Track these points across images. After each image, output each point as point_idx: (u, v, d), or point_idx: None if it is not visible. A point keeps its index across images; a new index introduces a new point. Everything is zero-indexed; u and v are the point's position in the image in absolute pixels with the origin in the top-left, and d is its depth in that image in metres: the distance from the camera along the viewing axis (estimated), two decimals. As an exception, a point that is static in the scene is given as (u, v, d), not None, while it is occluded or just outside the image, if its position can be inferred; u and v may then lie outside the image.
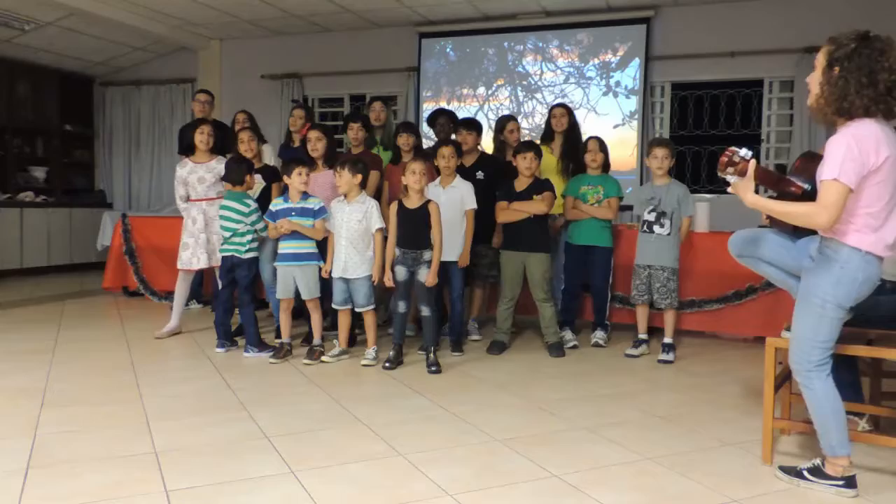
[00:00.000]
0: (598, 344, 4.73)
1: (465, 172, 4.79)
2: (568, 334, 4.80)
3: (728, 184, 2.46)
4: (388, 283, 4.20)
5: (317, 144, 4.65)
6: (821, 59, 2.37)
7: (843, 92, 2.28)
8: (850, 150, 2.23)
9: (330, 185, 4.51)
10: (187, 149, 4.92)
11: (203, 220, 4.80)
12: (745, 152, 2.39)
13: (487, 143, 6.10)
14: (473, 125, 5.01)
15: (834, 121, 2.34)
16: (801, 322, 2.43)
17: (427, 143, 6.06)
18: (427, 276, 4.09)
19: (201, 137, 4.85)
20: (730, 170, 2.40)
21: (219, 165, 4.85)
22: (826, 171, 2.26)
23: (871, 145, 2.25)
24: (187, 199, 4.89)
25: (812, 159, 2.58)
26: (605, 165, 4.83)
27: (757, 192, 2.44)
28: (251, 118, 5.72)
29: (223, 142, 5.67)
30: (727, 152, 2.40)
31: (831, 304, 2.35)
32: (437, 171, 4.69)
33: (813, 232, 2.50)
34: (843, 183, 2.23)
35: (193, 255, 4.78)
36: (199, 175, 4.84)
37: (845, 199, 2.25)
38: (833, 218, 2.26)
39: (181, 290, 4.94)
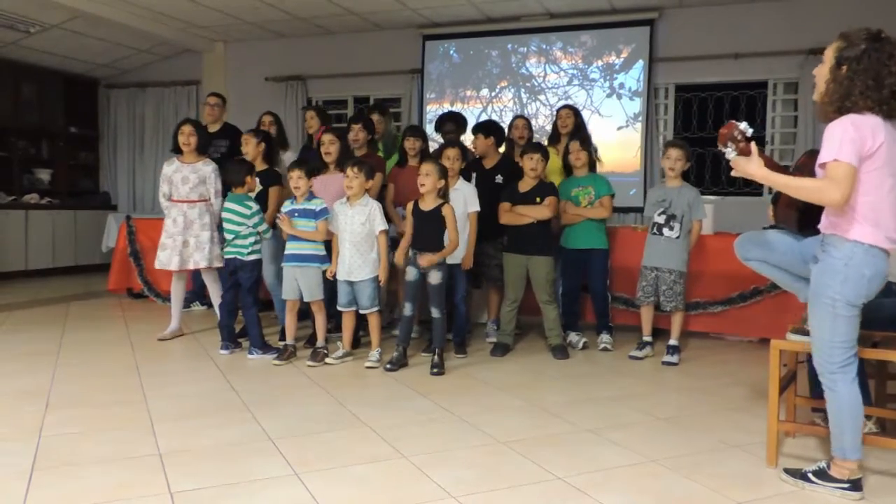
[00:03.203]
0: (607, 349, 4.70)
1: (485, 175, 4.79)
2: (574, 337, 4.79)
3: (730, 169, 2.43)
4: (399, 261, 4.20)
5: (330, 148, 4.65)
6: (829, 55, 2.36)
7: (847, 91, 2.28)
8: (847, 131, 2.23)
9: (340, 188, 4.51)
10: (178, 149, 4.89)
11: (183, 222, 4.76)
12: (744, 126, 2.34)
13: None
14: (489, 129, 4.95)
15: (832, 118, 2.33)
16: (817, 324, 2.41)
17: (433, 146, 6.05)
18: (422, 259, 4.08)
19: (182, 138, 4.78)
20: (730, 145, 2.34)
21: (205, 168, 4.81)
22: (824, 154, 2.25)
23: (868, 129, 2.25)
24: (169, 198, 4.84)
25: (815, 156, 2.57)
26: (592, 164, 4.81)
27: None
28: (277, 121, 5.68)
29: (233, 145, 5.68)
30: (728, 125, 2.35)
31: (841, 303, 2.33)
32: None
33: (818, 231, 2.49)
34: (843, 161, 2.21)
35: (172, 256, 4.74)
36: (183, 175, 4.77)
37: (853, 176, 2.22)
38: (845, 194, 2.22)
39: (177, 291, 4.93)
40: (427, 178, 4.09)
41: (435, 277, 4.12)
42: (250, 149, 4.85)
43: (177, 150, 4.87)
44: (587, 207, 4.71)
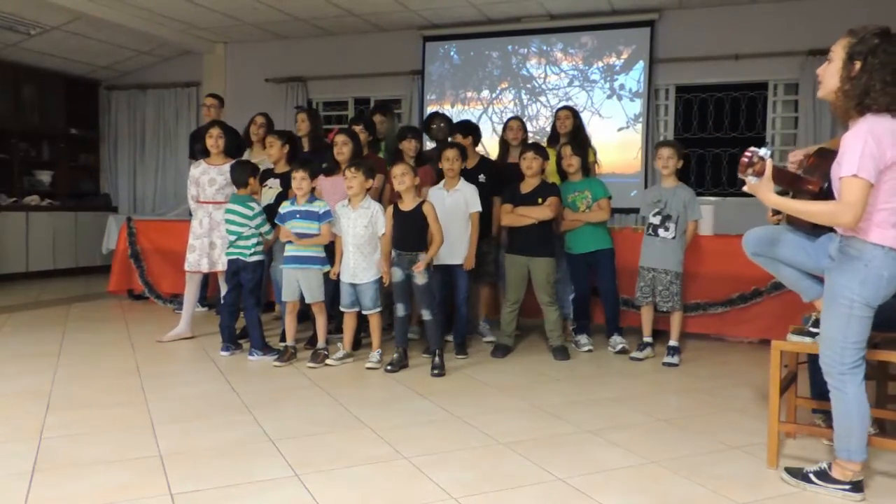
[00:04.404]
0: (624, 349, 4.64)
1: (468, 175, 4.80)
2: (583, 339, 4.79)
3: (744, 183, 2.43)
4: (387, 278, 4.20)
5: (342, 149, 4.61)
6: (839, 52, 2.34)
7: (866, 88, 2.25)
8: (868, 144, 2.21)
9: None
10: (197, 154, 4.91)
11: (209, 223, 4.78)
12: (764, 152, 2.35)
13: (491, 147, 6.10)
14: (467, 129, 4.99)
15: (853, 115, 2.31)
16: (830, 324, 2.40)
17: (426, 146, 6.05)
18: (417, 265, 4.08)
19: (210, 141, 4.82)
20: (750, 171, 2.36)
21: None
22: (845, 168, 2.24)
23: (888, 140, 2.23)
24: (197, 199, 4.86)
25: (826, 156, 2.56)
26: (585, 168, 4.81)
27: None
28: (267, 122, 5.66)
29: (233, 145, 5.68)
30: (747, 153, 2.36)
31: (859, 304, 2.33)
32: (439, 174, 4.70)
33: (831, 229, 2.48)
34: (862, 178, 2.20)
35: (201, 257, 4.77)
36: (210, 177, 4.80)
37: (867, 195, 2.23)
38: (857, 216, 2.23)
39: (191, 292, 4.92)
40: (405, 178, 4.10)
41: (420, 277, 4.12)
42: (275, 151, 4.85)
43: (203, 154, 4.88)
44: (586, 212, 4.71)
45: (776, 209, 2.82)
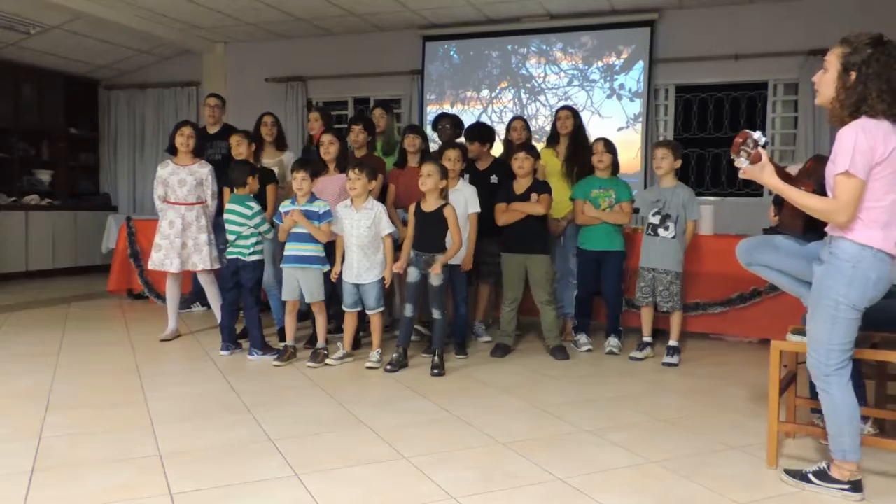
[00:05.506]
0: (613, 352, 4.64)
1: (480, 176, 4.81)
2: (583, 338, 4.79)
3: (737, 169, 2.43)
4: (399, 269, 4.18)
5: (329, 148, 4.67)
6: (833, 62, 2.35)
7: (862, 96, 2.28)
8: (859, 139, 2.24)
9: (340, 189, 4.52)
10: (173, 149, 4.90)
11: (181, 224, 4.76)
12: (758, 135, 2.36)
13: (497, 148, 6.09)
14: (479, 135, 5.00)
15: (847, 121, 2.33)
16: (816, 325, 2.41)
17: (431, 147, 6.05)
18: (434, 266, 4.07)
19: (181, 139, 4.79)
20: (743, 154, 2.36)
21: (201, 170, 4.82)
22: (839, 164, 2.26)
23: (879, 135, 2.25)
24: (164, 200, 4.83)
25: (823, 162, 2.57)
26: (615, 167, 4.77)
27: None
28: (277, 122, 5.61)
29: (202, 146, 5.65)
30: (741, 134, 2.37)
31: (845, 306, 2.33)
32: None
33: (822, 235, 2.49)
34: (855, 175, 2.23)
35: (166, 258, 4.75)
36: (179, 177, 4.78)
37: (861, 192, 2.26)
38: (851, 216, 2.27)
39: (172, 292, 4.93)
40: (429, 179, 4.09)
41: (436, 278, 4.11)
42: (244, 149, 4.86)
43: (172, 151, 4.87)
44: (606, 211, 4.68)
45: (776, 210, 2.82)
